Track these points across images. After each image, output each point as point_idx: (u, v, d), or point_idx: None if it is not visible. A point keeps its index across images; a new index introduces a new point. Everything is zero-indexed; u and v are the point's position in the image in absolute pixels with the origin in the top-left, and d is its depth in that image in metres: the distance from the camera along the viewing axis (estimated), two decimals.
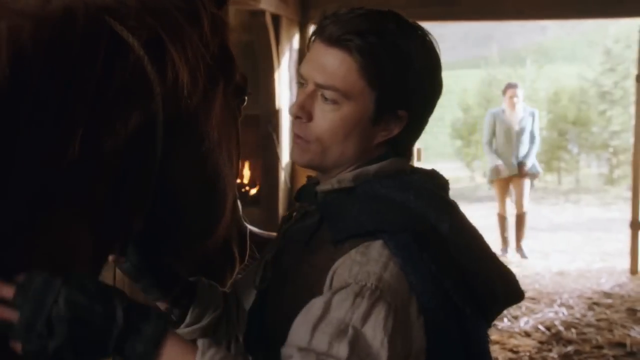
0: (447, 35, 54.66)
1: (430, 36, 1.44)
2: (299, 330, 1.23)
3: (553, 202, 15.77)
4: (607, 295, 7.17)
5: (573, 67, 23.45)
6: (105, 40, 1.23)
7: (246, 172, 8.03)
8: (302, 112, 1.40)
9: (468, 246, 1.39)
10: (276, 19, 7.42)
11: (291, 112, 1.42)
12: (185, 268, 1.61)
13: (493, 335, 5.95)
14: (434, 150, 30.99)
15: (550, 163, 18.08)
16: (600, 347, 5.69)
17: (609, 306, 6.76)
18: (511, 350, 5.66)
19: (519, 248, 9.17)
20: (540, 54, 23.30)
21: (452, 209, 1.43)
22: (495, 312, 1.47)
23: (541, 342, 5.83)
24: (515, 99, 8.75)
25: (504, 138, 8.76)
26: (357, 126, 1.39)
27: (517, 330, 6.11)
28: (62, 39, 1.18)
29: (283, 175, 7.67)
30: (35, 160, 1.12)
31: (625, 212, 10.22)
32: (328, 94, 1.37)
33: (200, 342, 1.20)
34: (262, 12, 6.98)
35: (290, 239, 1.47)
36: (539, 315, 6.47)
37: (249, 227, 1.87)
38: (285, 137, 7.80)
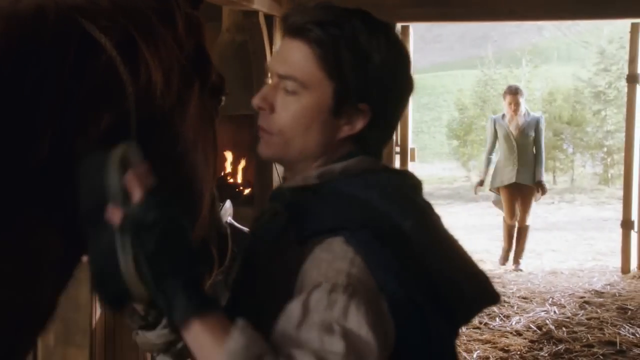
0: (445, 36, 54.76)
1: (397, 38, 1.45)
2: (284, 336, 1.23)
3: (548, 202, 15.79)
4: (599, 294, 7.20)
5: (568, 68, 23.48)
6: (77, 39, 1.23)
7: (240, 172, 8.03)
8: (265, 103, 1.42)
9: (434, 245, 1.39)
10: (269, 19, 7.42)
11: (254, 104, 1.43)
12: None
13: (485, 334, 5.98)
14: (432, 150, 30.99)
15: (545, 163, 18.11)
16: (590, 346, 5.71)
17: (600, 305, 6.78)
18: (502, 350, 5.68)
19: (516, 264, 8.53)
20: (536, 55, 23.32)
21: (419, 209, 1.43)
22: (465, 313, 1.47)
23: (532, 341, 5.85)
24: (514, 106, 8.25)
25: (505, 145, 8.31)
26: (317, 117, 1.40)
27: (508, 329, 6.13)
28: (33, 37, 1.18)
29: (276, 176, 7.67)
30: (3, 160, 1.13)
31: (619, 212, 10.25)
32: (288, 84, 1.39)
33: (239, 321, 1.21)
34: (255, 13, 6.98)
35: (261, 239, 1.48)
36: (530, 315, 6.49)
37: (241, 227, 1.88)
38: None
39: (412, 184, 1.50)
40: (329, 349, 1.19)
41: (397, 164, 8.43)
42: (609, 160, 17.37)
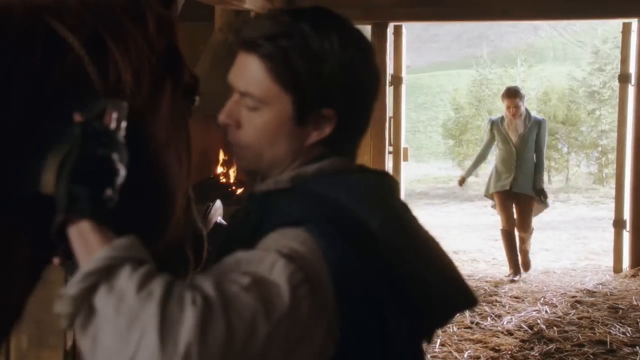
0: (441, 35, 54.84)
1: (354, 32, 1.43)
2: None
3: None
4: (590, 293, 7.21)
5: (563, 67, 23.51)
6: (43, 38, 1.22)
7: (232, 172, 8.02)
8: (230, 119, 1.42)
9: (405, 246, 1.38)
10: None
11: (219, 120, 1.43)
12: None
13: (476, 334, 5.98)
14: (428, 149, 31.04)
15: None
16: (581, 345, 5.71)
17: (592, 304, 6.79)
18: (493, 349, 5.68)
19: (513, 274, 7.91)
20: (532, 54, 23.34)
21: (390, 209, 1.42)
22: (439, 315, 1.46)
23: (523, 341, 5.85)
24: (513, 110, 7.65)
25: (503, 150, 7.77)
26: (282, 129, 1.40)
27: (500, 328, 6.13)
28: None
29: None
30: None
31: (613, 211, 10.25)
32: (248, 101, 1.40)
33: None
34: (247, 12, 6.98)
35: (235, 238, 1.48)
36: (522, 314, 6.49)
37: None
38: None
39: (387, 185, 1.49)
40: (233, 278, 1.16)
41: (389, 164, 8.43)
42: (603, 159, 17.42)
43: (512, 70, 19.66)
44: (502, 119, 7.91)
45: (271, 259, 1.21)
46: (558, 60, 38.55)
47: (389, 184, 1.50)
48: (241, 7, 6.69)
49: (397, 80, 8.29)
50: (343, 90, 1.39)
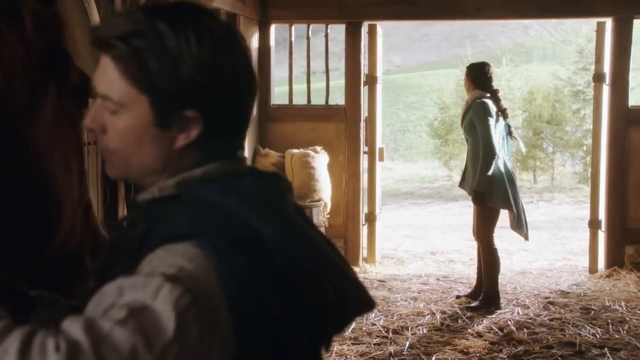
0: (431, 35, 54.91)
1: (217, 29, 1.35)
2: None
3: (527, 201, 15.80)
4: (564, 294, 7.18)
5: (548, 67, 23.51)
6: None
7: None
8: (95, 125, 1.37)
9: (298, 252, 1.33)
10: (233, 17, 7.37)
11: (85, 125, 1.38)
12: (23, 282, 1.54)
13: (445, 336, 5.94)
14: (417, 149, 31.01)
15: (526, 162, 18.13)
16: (550, 347, 5.68)
17: (564, 305, 6.76)
18: (462, 352, 5.64)
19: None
20: (522, 54, 23.35)
21: (282, 214, 1.36)
22: (335, 321, 1.41)
23: (492, 343, 5.81)
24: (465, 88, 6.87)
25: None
26: (144, 133, 1.34)
27: (469, 330, 6.09)
28: None
29: None
30: None
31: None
32: (108, 104, 1.34)
33: None
34: (216, 11, 6.92)
35: (120, 249, 1.42)
36: (493, 316, 6.45)
37: None
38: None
39: (280, 188, 1.44)
40: (108, 313, 1.11)
41: (364, 164, 8.38)
42: (588, 159, 17.40)
43: (497, 70, 19.63)
44: None
45: (155, 284, 1.15)
46: (547, 60, 38.60)
47: (281, 186, 1.45)
48: (210, 6, 6.63)
49: (371, 80, 8.25)
50: (204, 91, 1.32)
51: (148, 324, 1.10)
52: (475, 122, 6.49)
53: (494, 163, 6.43)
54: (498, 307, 6.60)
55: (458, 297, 6.96)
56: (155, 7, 1.34)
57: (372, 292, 7.24)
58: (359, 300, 1.43)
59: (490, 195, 6.48)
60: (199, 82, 1.31)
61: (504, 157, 6.57)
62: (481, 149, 6.45)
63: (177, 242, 1.25)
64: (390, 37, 53.54)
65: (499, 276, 7.11)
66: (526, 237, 6.86)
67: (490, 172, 6.41)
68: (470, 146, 6.62)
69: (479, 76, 6.63)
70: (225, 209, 1.30)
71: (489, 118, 6.47)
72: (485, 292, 6.68)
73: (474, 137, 6.53)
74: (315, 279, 1.33)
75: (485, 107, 6.50)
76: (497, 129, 6.52)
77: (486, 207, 6.58)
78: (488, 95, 6.58)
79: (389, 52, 52.47)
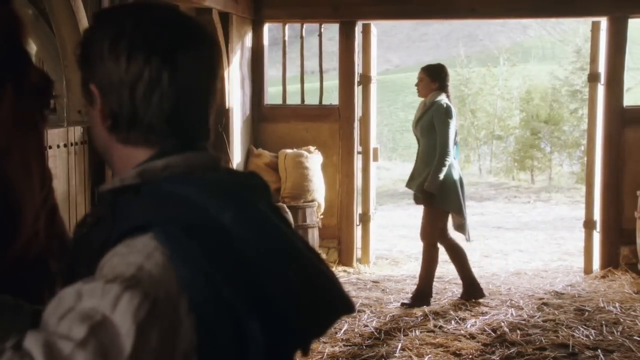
0: (430, 35, 54.88)
1: (139, 28, 1.35)
2: (47, 323, 1.15)
3: (524, 201, 15.77)
4: (558, 295, 7.13)
5: (546, 66, 23.48)
6: None
7: None
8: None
9: (261, 239, 1.30)
10: (225, 16, 7.33)
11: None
12: None
13: (438, 337, 5.89)
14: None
15: (524, 162, 18.10)
16: (543, 349, 5.63)
17: (559, 306, 6.71)
18: (454, 354, 5.59)
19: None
20: (521, 53, 23.33)
21: (246, 203, 1.33)
22: (308, 319, 1.36)
23: (485, 345, 5.76)
24: (416, 84, 6.68)
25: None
26: (93, 121, 1.40)
27: (462, 332, 6.04)
28: None
29: None
30: None
31: None
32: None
33: None
34: (208, 10, 6.88)
35: (85, 247, 1.38)
36: (487, 317, 6.41)
37: None
38: (236, 137, 7.71)
39: (252, 184, 1.41)
40: (67, 333, 1.10)
41: (358, 164, 8.34)
42: (586, 159, 17.38)
43: (494, 70, 19.63)
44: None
45: (114, 293, 1.15)
46: (547, 59, 38.57)
47: (254, 183, 1.42)
48: (201, 4, 6.59)
49: (366, 80, 8.20)
50: (100, 69, 1.36)
51: (108, 341, 1.11)
52: (436, 123, 6.45)
53: (447, 166, 6.43)
54: (429, 304, 6.70)
55: (403, 304, 6.73)
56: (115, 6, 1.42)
57: (365, 293, 7.21)
58: (337, 301, 1.39)
59: (442, 197, 6.49)
60: (95, 62, 1.35)
61: (454, 161, 6.58)
62: (438, 151, 6.42)
63: (136, 235, 1.24)
64: (389, 37, 53.53)
65: (494, 277, 7.43)
66: (469, 238, 6.98)
67: (442, 175, 6.40)
68: (423, 147, 6.59)
69: (440, 77, 6.59)
70: (185, 197, 1.29)
71: (450, 120, 6.46)
72: (419, 288, 6.77)
73: (429, 138, 6.51)
74: (279, 267, 1.30)
75: (449, 109, 6.50)
76: (452, 133, 6.53)
77: (434, 208, 6.60)
78: (446, 96, 6.58)
79: (388, 51, 52.47)
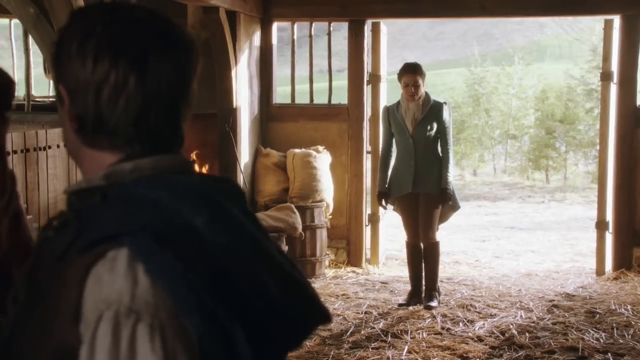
0: (447, 34, 54.70)
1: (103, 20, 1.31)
2: None
3: (538, 201, 15.62)
4: (569, 297, 7.03)
5: (562, 65, 23.30)
6: None
7: (204, 172, 7.89)
8: None
9: (234, 243, 1.25)
10: (233, 15, 7.28)
11: None
12: None
13: (445, 340, 5.82)
14: None
15: (538, 161, 17.95)
16: (551, 352, 5.54)
17: (569, 308, 6.61)
18: (461, 356, 5.52)
19: (427, 299, 6.71)
20: (530, 52, 23.16)
21: (218, 206, 1.28)
22: (283, 327, 1.30)
23: (493, 347, 5.68)
24: (412, 89, 6.42)
25: (400, 142, 6.60)
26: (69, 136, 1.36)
27: (470, 334, 5.96)
28: None
29: (242, 177, 7.53)
30: None
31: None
32: None
33: None
34: (215, 9, 6.84)
35: (47, 252, 1.33)
36: (495, 319, 6.32)
37: None
38: (244, 136, 7.66)
39: (226, 188, 1.36)
40: None
41: (368, 164, 8.28)
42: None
43: (509, 69, 19.49)
44: (397, 104, 6.57)
45: (127, 338, 1.14)
46: (564, 58, 38.34)
47: (227, 187, 1.37)
48: (208, 3, 6.55)
49: (375, 79, 8.13)
50: (66, 69, 1.31)
51: None
52: (448, 122, 6.50)
53: None
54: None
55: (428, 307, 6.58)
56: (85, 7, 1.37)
57: (373, 294, 7.14)
58: (312, 310, 1.34)
59: (454, 196, 6.59)
60: (64, 62, 1.31)
61: None
62: (450, 149, 6.51)
63: (109, 247, 1.19)
64: (406, 36, 53.39)
65: (505, 278, 7.27)
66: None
67: None
68: (425, 147, 6.48)
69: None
70: (155, 201, 1.24)
71: None
72: (436, 287, 6.74)
73: (432, 138, 6.48)
74: (254, 271, 1.25)
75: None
76: None
77: (445, 207, 6.60)
78: None
79: (404, 50, 52.28)
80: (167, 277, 1.17)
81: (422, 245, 6.70)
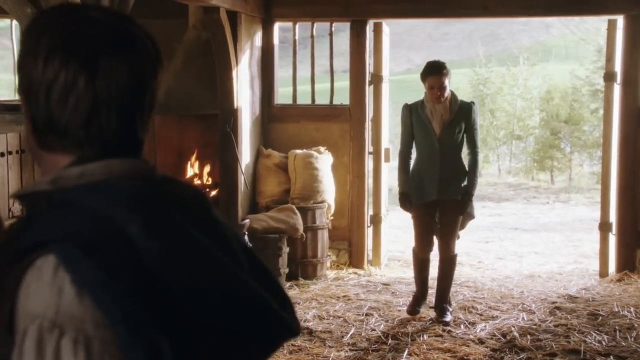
0: (452, 34, 54.56)
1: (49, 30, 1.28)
2: None
3: (543, 202, 15.54)
4: (572, 299, 6.98)
5: (566, 65, 23.22)
6: None
7: (206, 174, 7.86)
8: None
9: (170, 251, 1.21)
10: (234, 15, 7.25)
11: None
12: None
13: (446, 342, 5.77)
14: None
15: (543, 162, 17.88)
16: (553, 355, 5.50)
17: (571, 311, 6.56)
18: (462, 359, 5.47)
19: (439, 316, 6.34)
20: (536, 52, 23.07)
21: (158, 213, 1.24)
22: (238, 342, 1.26)
23: (494, 350, 5.64)
24: (438, 91, 6.00)
25: (424, 145, 6.17)
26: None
27: (471, 337, 5.91)
28: None
29: (243, 178, 7.50)
30: None
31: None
32: None
33: None
34: (216, 9, 6.81)
35: (3, 255, 1.30)
36: (497, 322, 6.28)
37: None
38: (245, 137, 7.63)
39: (178, 195, 1.31)
40: None
41: (370, 165, 8.24)
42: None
43: (514, 69, 19.41)
44: (421, 103, 6.15)
45: (50, 353, 1.12)
46: (570, 58, 38.21)
47: (186, 194, 1.33)
48: (208, 3, 6.52)
49: (377, 79, 8.09)
50: (22, 75, 1.29)
51: None
52: (475, 122, 6.11)
53: None
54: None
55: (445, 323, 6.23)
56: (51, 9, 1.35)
57: (375, 296, 7.09)
58: (272, 325, 1.29)
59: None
60: (22, 68, 1.29)
61: None
62: (478, 152, 6.14)
63: (38, 254, 1.16)
64: (411, 36, 53.30)
65: (508, 280, 7.15)
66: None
67: None
68: (451, 151, 6.07)
69: None
70: (90, 208, 1.20)
71: None
72: (448, 299, 6.42)
73: (458, 140, 6.08)
74: (192, 283, 1.20)
75: None
76: None
77: (464, 215, 6.25)
78: None
79: (410, 51, 52.24)
80: (91, 287, 1.14)
81: (439, 256, 6.31)
